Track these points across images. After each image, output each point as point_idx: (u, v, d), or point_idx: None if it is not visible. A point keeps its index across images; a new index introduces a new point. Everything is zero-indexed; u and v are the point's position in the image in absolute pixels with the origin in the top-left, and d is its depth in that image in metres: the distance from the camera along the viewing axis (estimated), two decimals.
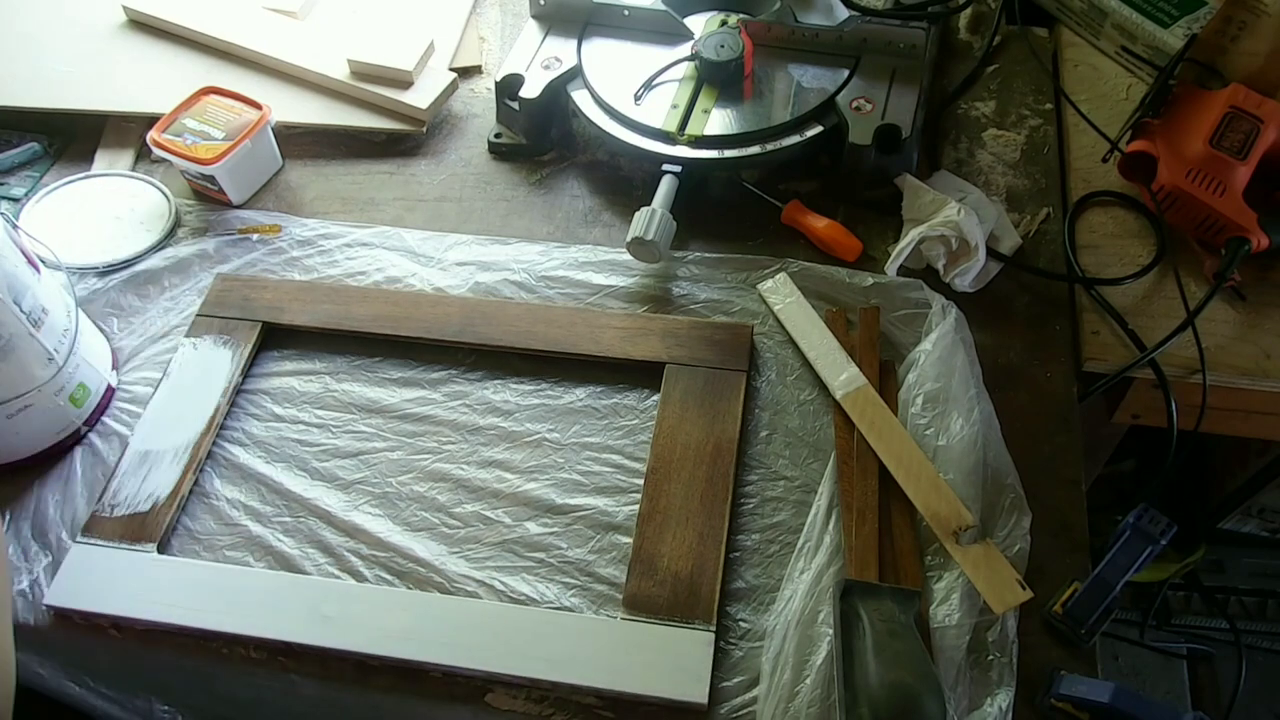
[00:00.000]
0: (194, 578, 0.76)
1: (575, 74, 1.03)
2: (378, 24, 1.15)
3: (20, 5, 1.16)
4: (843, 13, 1.04)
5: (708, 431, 0.82)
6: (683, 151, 0.95)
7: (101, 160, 1.05)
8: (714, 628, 0.72)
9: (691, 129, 0.96)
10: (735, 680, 0.71)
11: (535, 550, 0.78)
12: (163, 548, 0.78)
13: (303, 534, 0.79)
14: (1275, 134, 0.89)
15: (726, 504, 0.78)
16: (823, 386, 0.85)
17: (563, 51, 1.04)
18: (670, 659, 0.71)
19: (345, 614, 0.74)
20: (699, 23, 1.05)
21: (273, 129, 1.02)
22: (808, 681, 0.69)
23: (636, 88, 0.99)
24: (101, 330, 0.91)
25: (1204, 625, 1.47)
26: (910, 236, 0.89)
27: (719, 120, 0.97)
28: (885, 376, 0.85)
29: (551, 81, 1.02)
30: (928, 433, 0.80)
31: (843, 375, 0.84)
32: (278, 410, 0.87)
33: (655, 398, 0.85)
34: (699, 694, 0.69)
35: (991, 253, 0.91)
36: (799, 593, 0.73)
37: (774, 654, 0.71)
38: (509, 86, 1.03)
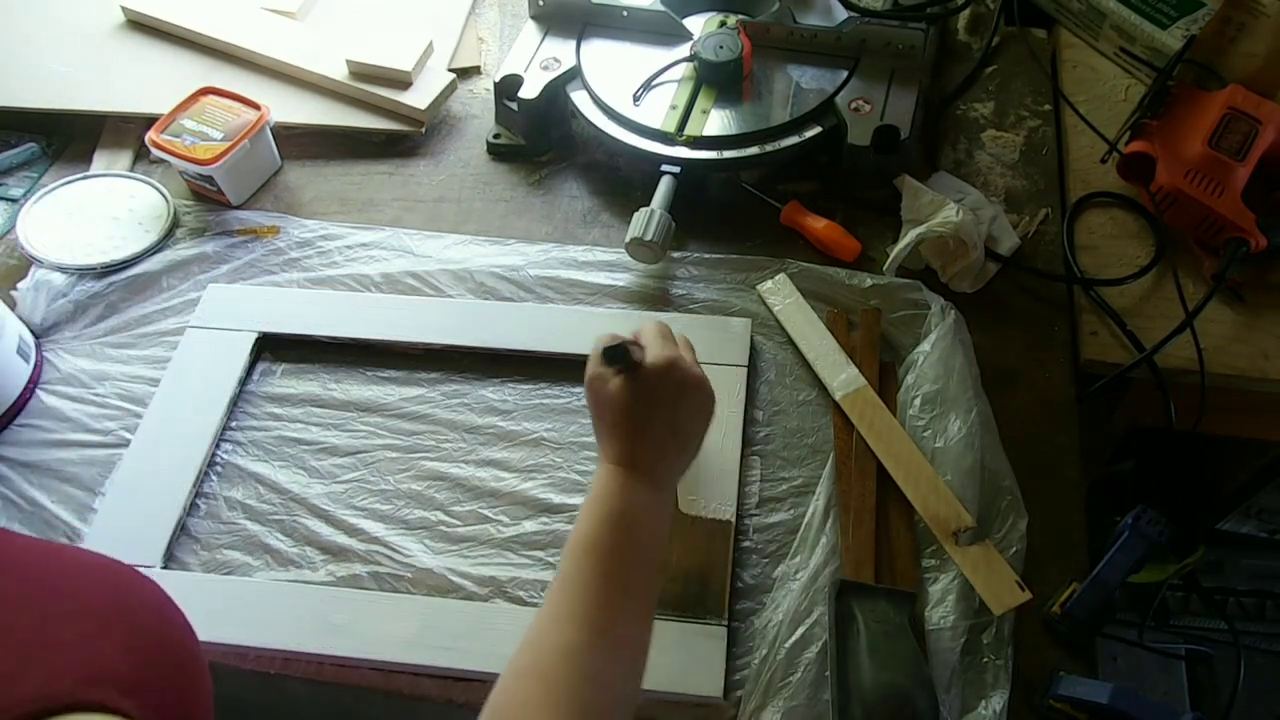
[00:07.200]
0: (192, 587, 0.75)
1: (574, 75, 1.03)
2: (376, 24, 1.15)
3: (19, 5, 1.16)
4: (841, 13, 1.03)
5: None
6: (681, 152, 0.95)
7: (100, 161, 1.05)
8: (726, 622, 0.72)
9: (690, 130, 0.96)
10: (730, 679, 0.71)
11: (533, 549, 0.78)
12: None
13: (300, 533, 0.79)
14: (1274, 135, 0.89)
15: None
16: (822, 387, 0.85)
17: (561, 52, 1.04)
18: (683, 655, 0.71)
19: (343, 618, 0.74)
20: (698, 23, 1.05)
21: (271, 129, 1.02)
22: (801, 681, 0.69)
23: (635, 88, 0.99)
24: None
25: (1202, 626, 1.47)
26: (909, 237, 0.89)
27: (718, 121, 0.97)
28: (885, 378, 0.85)
29: (550, 82, 1.02)
30: (926, 434, 0.80)
31: (842, 376, 0.84)
32: (275, 409, 0.87)
33: None
34: (714, 688, 0.69)
35: (990, 253, 0.91)
36: (794, 592, 0.73)
37: (767, 654, 0.71)
38: (508, 87, 1.03)
